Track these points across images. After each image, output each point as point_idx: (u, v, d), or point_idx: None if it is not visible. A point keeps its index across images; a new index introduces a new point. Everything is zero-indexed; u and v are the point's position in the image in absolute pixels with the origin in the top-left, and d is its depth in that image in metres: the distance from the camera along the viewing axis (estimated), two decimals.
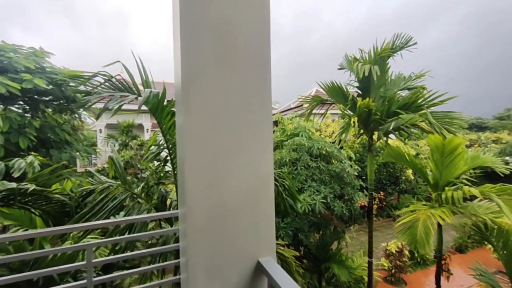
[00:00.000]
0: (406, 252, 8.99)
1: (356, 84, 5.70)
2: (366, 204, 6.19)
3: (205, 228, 1.11)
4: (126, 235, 2.58)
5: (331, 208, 6.49)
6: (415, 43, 4.96)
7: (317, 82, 5.83)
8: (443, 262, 5.02)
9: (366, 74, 4.50)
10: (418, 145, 14.41)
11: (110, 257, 1.67)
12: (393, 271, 8.75)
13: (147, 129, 16.53)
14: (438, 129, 4.23)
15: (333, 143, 7.51)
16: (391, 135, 5.95)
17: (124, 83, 2.58)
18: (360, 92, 5.64)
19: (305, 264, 7.16)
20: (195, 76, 1.05)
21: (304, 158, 6.97)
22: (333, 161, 7.47)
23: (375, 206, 11.87)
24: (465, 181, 4.55)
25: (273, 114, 15.27)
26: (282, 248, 3.08)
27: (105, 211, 2.80)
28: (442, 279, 4.91)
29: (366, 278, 6.18)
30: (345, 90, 5.54)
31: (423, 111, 4.54)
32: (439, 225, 4.54)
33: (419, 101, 4.75)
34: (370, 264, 5.57)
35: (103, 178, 3.32)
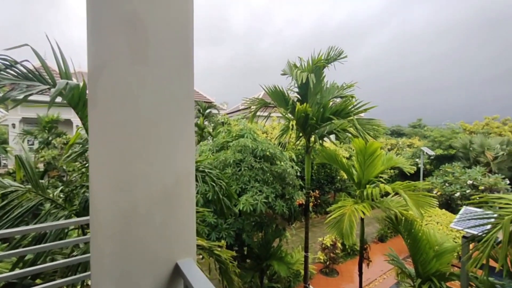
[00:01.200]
0: (339, 245, 9.93)
1: (296, 90, 6.08)
2: (304, 202, 6.64)
3: (114, 234, 1.02)
4: (33, 247, 2.22)
5: (273, 207, 6.76)
6: (346, 56, 5.55)
7: (261, 85, 6.02)
8: (364, 252, 5.71)
9: (304, 81, 4.84)
10: (351, 148, 16.15)
11: (7, 274, 1.40)
12: (327, 263, 9.57)
13: (77, 125, 14.62)
14: (362, 134, 4.81)
15: (278, 144, 7.86)
16: (329, 138, 6.52)
17: (36, 72, 2.23)
18: (299, 97, 6.02)
19: (248, 263, 7.29)
20: (101, 69, 0.97)
21: (248, 159, 7.10)
22: (277, 162, 7.81)
23: (311, 204, 12.86)
24: (382, 179, 5.29)
25: (221, 115, 15.19)
26: (219, 249, 3.07)
27: (8, 220, 2.37)
28: (364, 266, 5.55)
29: (303, 272, 6.62)
30: (286, 94, 5.85)
31: (351, 118, 5.10)
32: (362, 219, 5.16)
33: (349, 108, 5.33)
34: (306, 258, 5.97)
35: (7, 181, 2.81)
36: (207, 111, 15.21)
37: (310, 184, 16.07)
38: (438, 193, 14.39)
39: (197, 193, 5.21)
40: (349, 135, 6.06)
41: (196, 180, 2.85)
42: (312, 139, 6.07)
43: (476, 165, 15.18)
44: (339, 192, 16.02)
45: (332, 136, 6.43)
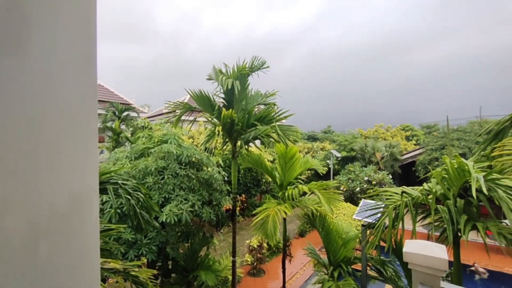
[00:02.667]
0: (265, 245, 10.40)
1: (222, 95, 6.10)
2: (231, 207, 6.67)
3: None
4: None
5: (199, 215, 6.53)
6: (268, 66, 5.91)
7: (186, 89, 5.79)
8: (287, 249, 6.15)
9: (229, 87, 4.90)
10: (274, 152, 17.31)
11: None
12: (255, 264, 9.87)
13: None
14: (283, 139, 5.18)
15: (205, 150, 7.67)
16: (254, 143, 6.75)
17: None
18: (225, 103, 6.06)
19: (174, 277, 6.79)
20: None
21: (172, 166, 6.66)
22: (204, 168, 7.61)
23: (238, 208, 13.16)
24: (300, 180, 5.84)
25: (142, 119, 13.85)
26: (137, 270, 2.73)
27: None
28: (287, 262, 5.95)
29: (231, 278, 6.61)
30: (212, 100, 5.80)
31: (273, 124, 5.45)
32: (285, 218, 5.55)
33: (271, 115, 5.68)
34: (234, 263, 5.98)
35: None
36: (125, 113, 13.62)
37: (237, 188, 16.27)
38: (344, 189, 16.91)
39: (111, 207, 4.55)
40: (272, 140, 6.47)
41: (107, 194, 2.47)
42: (238, 144, 6.19)
43: (370, 164, 18.55)
44: (265, 194, 16.90)
45: (258, 141, 6.73)
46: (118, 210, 4.75)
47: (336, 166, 20.35)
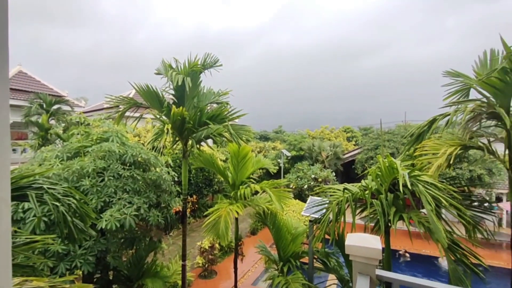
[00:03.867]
0: (217, 245, 10.26)
1: (172, 92, 5.78)
2: (181, 209, 6.38)
3: None
4: None
5: (146, 218, 6.08)
6: (221, 65, 5.82)
7: (131, 82, 5.32)
8: (238, 248, 6.17)
9: (180, 83, 4.67)
10: (227, 151, 17.21)
11: None
12: (206, 265, 9.66)
13: None
14: (235, 138, 5.17)
15: (153, 149, 7.16)
16: (206, 142, 6.56)
17: None
18: (175, 100, 5.76)
19: None
20: None
21: (114, 167, 6.05)
22: (152, 168, 7.12)
23: (188, 210, 12.73)
24: (252, 180, 5.91)
25: (77, 113, 12.25)
26: (67, 286, 2.39)
27: None
28: (239, 261, 5.96)
29: (181, 283, 6.33)
30: (161, 96, 5.45)
31: (226, 123, 5.38)
32: (237, 218, 5.55)
33: (224, 114, 5.60)
34: (183, 267, 5.74)
35: None
36: (55, 107, 11.87)
37: (188, 189, 15.72)
38: (294, 187, 17.78)
39: (34, 216, 3.90)
40: (225, 139, 6.39)
41: (27, 201, 2.08)
42: (190, 143, 5.95)
43: (316, 162, 19.87)
44: (217, 194, 16.69)
45: (210, 140, 6.57)
46: (45, 219, 4.10)
47: (286, 165, 21.26)
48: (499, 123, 3.62)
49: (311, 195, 5.90)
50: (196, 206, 14.42)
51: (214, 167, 5.74)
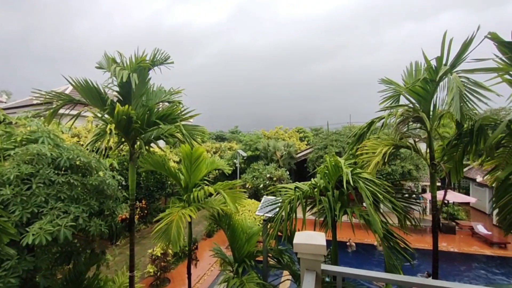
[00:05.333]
0: (170, 252, 9.76)
1: (117, 88, 5.30)
2: (128, 216, 5.89)
3: None
4: None
5: (86, 229, 5.45)
6: (172, 62, 5.54)
7: (65, 76, 4.71)
8: (192, 253, 5.96)
9: (124, 79, 4.30)
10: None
11: None
12: (158, 274, 9.11)
13: None
14: (188, 139, 4.98)
15: (95, 151, 6.46)
16: (157, 143, 6.16)
17: None
18: (120, 97, 5.30)
19: None
20: None
21: (45, 172, 5.29)
22: (94, 173, 6.42)
23: (136, 217, 11.86)
24: (206, 181, 5.77)
25: None
26: None
27: None
28: (193, 266, 5.76)
29: None
30: (103, 92, 4.95)
31: (178, 123, 5.15)
32: (190, 222, 5.35)
33: (176, 114, 5.35)
34: (131, 278, 5.32)
35: None
36: None
37: (138, 193, 14.65)
38: (249, 186, 17.97)
39: None
40: (178, 140, 6.10)
41: None
42: (138, 144, 5.54)
43: (271, 162, 20.43)
44: (170, 197, 15.90)
45: (162, 142, 6.21)
46: None
47: (242, 165, 21.38)
48: (422, 126, 4.19)
49: (265, 194, 6.02)
50: (146, 211, 13.52)
51: (165, 170, 5.44)
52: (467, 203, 16.84)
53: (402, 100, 4.72)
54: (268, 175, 18.06)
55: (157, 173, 13.63)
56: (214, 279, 9.71)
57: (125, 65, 5.22)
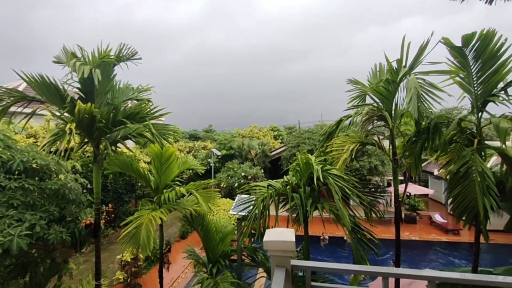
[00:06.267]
0: (142, 256, 9.35)
1: (78, 85, 4.94)
2: (93, 221, 5.53)
3: None
4: None
5: (45, 237, 5.03)
6: (140, 58, 5.29)
7: (16, 71, 4.28)
8: (164, 256, 5.77)
9: (86, 75, 4.01)
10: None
11: None
12: (129, 280, 8.70)
13: None
14: (158, 138, 4.80)
15: (53, 153, 5.96)
16: (124, 143, 5.85)
17: None
18: (82, 95, 4.95)
19: None
20: None
21: None
22: (53, 176, 5.92)
23: (103, 221, 11.20)
24: (178, 182, 5.61)
25: None
26: None
27: None
28: (165, 270, 5.58)
29: None
30: (61, 89, 4.58)
31: (147, 122, 4.93)
32: (161, 224, 5.17)
33: (144, 112, 5.12)
34: (97, 287, 5.00)
35: None
36: None
37: (105, 196, 13.85)
38: (224, 186, 17.83)
39: None
40: (148, 140, 5.85)
41: None
42: (103, 145, 5.22)
43: (246, 160, 20.45)
44: (141, 199, 15.22)
45: (132, 142, 5.90)
46: None
47: (217, 164, 21.14)
48: (385, 124, 4.46)
49: (239, 193, 6.01)
50: (113, 216, 12.82)
51: (133, 171, 5.18)
52: (426, 195, 18.29)
53: (368, 100, 4.99)
54: (243, 174, 18.06)
55: (126, 175, 12.97)
56: (189, 281, 9.51)
57: (87, 60, 4.88)
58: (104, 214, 11.97)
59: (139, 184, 13.84)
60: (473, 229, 4.10)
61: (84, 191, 7.50)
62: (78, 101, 4.37)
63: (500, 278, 2.92)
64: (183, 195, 5.47)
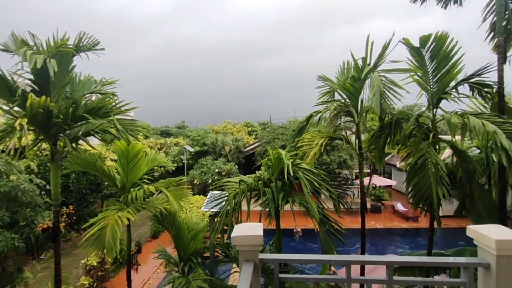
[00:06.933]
0: (109, 259, 8.88)
1: (31, 76, 4.48)
2: (51, 225, 5.12)
3: None
4: None
5: None
6: (103, 48, 4.94)
7: None
8: (133, 258, 5.53)
9: (38, 65, 3.65)
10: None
11: None
12: (95, 285, 8.23)
13: None
14: (124, 135, 4.54)
15: (3, 151, 5.39)
16: (86, 140, 5.45)
17: None
18: (36, 87, 4.51)
19: None
20: None
21: None
22: (4, 177, 5.37)
23: (62, 225, 10.43)
24: (147, 180, 5.38)
25: None
26: None
27: None
28: (134, 272, 5.36)
29: None
30: (9, 80, 4.13)
31: (111, 118, 4.64)
32: (129, 225, 4.94)
33: (108, 107, 4.81)
34: None
35: None
36: None
37: (67, 197, 12.91)
38: (198, 182, 17.53)
39: None
40: (114, 137, 5.52)
41: None
42: (61, 142, 4.82)
43: (220, 156, 20.26)
44: (108, 199, 14.40)
45: (97, 139, 5.52)
46: None
47: (190, 161, 20.67)
48: (352, 119, 4.67)
49: (211, 190, 5.94)
50: (75, 218, 12.00)
51: (97, 170, 4.86)
52: (390, 186, 19.59)
53: (337, 96, 5.18)
54: (216, 170, 17.87)
55: (90, 174, 12.17)
56: (161, 281, 9.25)
57: (40, 49, 4.44)
58: (65, 216, 11.13)
59: (106, 183, 13.08)
60: (428, 215, 4.47)
61: (42, 192, 6.89)
62: (31, 94, 3.98)
63: (451, 259, 3.22)
64: (153, 194, 5.26)
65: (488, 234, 1.78)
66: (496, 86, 4.20)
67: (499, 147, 3.23)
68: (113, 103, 5.04)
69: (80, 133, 5.02)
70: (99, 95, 5.59)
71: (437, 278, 5.01)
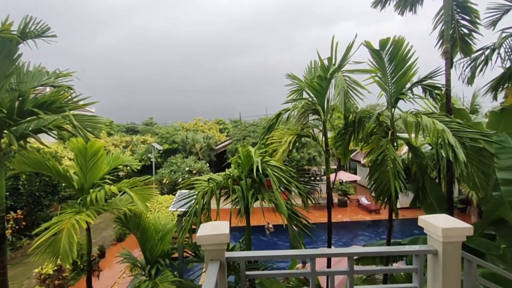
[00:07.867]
0: (68, 266, 8.22)
1: None
2: None
3: None
4: None
5: None
6: (54, 35, 4.50)
7: None
8: (94, 264, 5.18)
9: None
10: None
11: None
12: None
13: None
14: (81, 132, 4.20)
15: None
16: (37, 137, 4.93)
17: None
18: None
19: None
20: None
21: None
22: None
23: (8, 232, 9.42)
24: (108, 180, 5.04)
25: None
26: None
27: None
28: (101, 275, 5.04)
29: None
30: None
31: (66, 113, 4.25)
32: (88, 229, 4.59)
33: (62, 101, 4.39)
34: None
35: None
36: None
37: (17, 201, 11.71)
38: (167, 181, 16.93)
39: None
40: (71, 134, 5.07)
41: None
42: (5, 140, 4.32)
43: (190, 155, 19.76)
44: (66, 201, 13.29)
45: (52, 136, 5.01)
46: None
47: (159, 159, 19.87)
48: (319, 117, 4.83)
49: (179, 189, 5.77)
50: (24, 223, 10.91)
51: (49, 170, 4.44)
52: (355, 181, 20.72)
53: (305, 95, 5.30)
54: (187, 169, 17.42)
55: (44, 175, 11.13)
56: (127, 286, 8.80)
57: None
58: (11, 222, 10.03)
59: (63, 184, 12.05)
60: (387, 207, 4.80)
61: None
62: None
63: (407, 248, 3.49)
64: (116, 195, 4.96)
65: (435, 223, 1.95)
66: (444, 89, 4.62)
67: (446, 144, 3.55)
68: (69, 97, 4.63)
69: (29, 129, 4.53)
70: (52, 88, 5.10)
71: (395, 265, 5.42)
